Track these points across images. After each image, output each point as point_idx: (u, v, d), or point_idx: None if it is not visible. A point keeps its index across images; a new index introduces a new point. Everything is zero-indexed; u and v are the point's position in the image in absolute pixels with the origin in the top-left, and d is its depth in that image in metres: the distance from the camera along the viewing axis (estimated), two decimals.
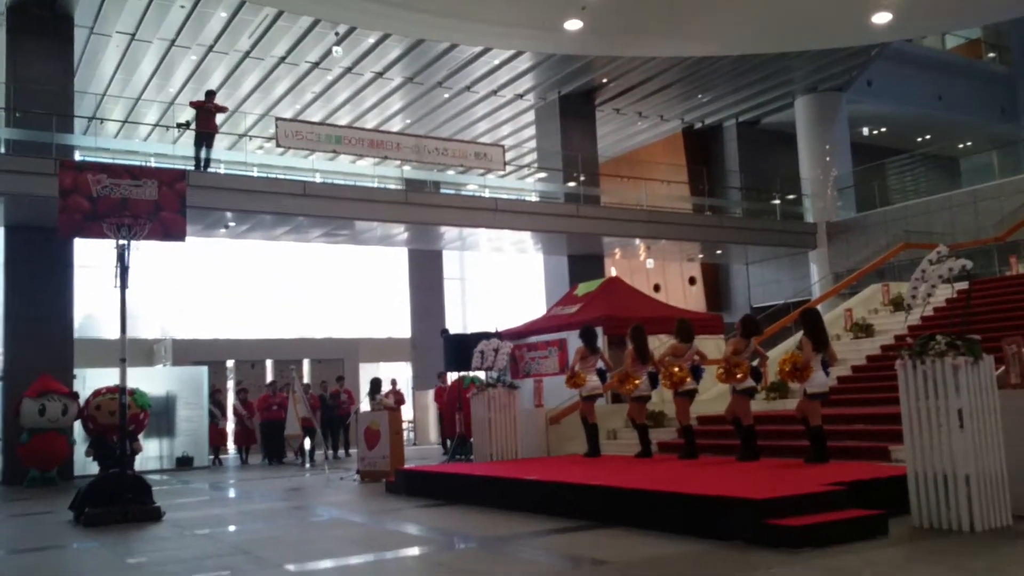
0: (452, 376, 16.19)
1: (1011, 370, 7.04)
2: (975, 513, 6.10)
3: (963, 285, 9.19)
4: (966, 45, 28.50)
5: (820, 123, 23.93)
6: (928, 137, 27.14)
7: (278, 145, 17.65)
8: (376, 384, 14.47)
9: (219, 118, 16.99)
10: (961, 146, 26.72)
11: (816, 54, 21.17)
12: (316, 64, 20.16)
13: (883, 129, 26.75)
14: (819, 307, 15.01)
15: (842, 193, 23.61)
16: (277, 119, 18.08)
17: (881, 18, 17.71)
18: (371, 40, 19.12)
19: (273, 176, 18.15)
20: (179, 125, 17.43)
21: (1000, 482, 6.26)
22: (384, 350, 25.19)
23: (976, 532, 6.06)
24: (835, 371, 10.85)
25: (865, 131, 26.52)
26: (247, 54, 19.49)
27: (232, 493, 12.60)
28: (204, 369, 17.85)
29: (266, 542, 7.40)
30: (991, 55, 29.07)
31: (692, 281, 27.20)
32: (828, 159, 23.60)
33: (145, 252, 19.00)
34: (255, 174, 17.62)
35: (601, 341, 12.68)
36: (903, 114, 25.75)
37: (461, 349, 14.18)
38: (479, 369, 12.55)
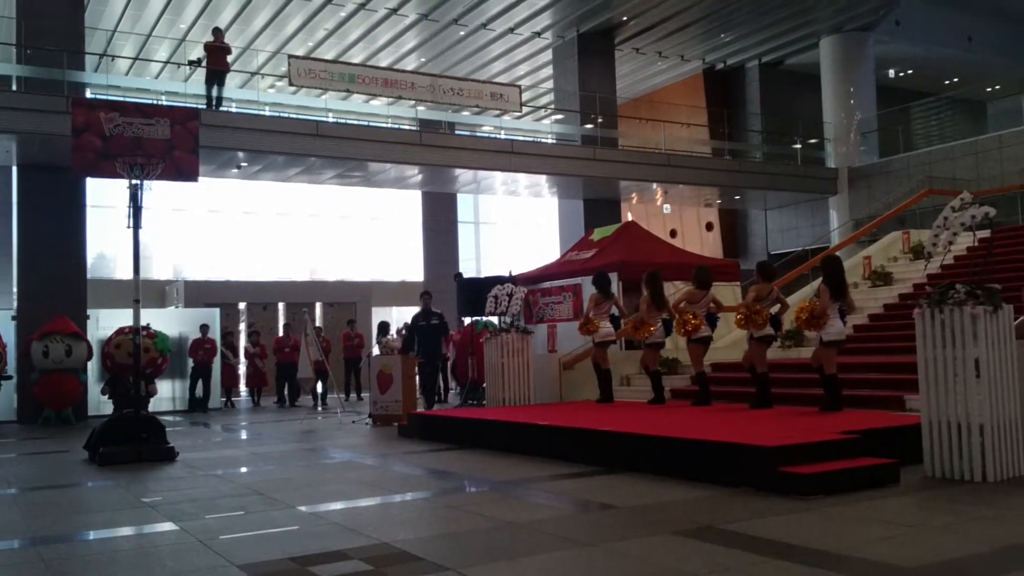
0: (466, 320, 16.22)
1: None
2: (988, 463, 6.06)
3: (986, 233, 9.01)
4: None
5: (845, 65, 23.36)
6: (956, 80, 26.49)
7: (291, 84, 17.42)
8: (384, 327, 14.47)
9: (229, 57, 16.77)
10: (989, 90, 26.09)
11: None
12: (329, 0, 19.79)
13: (910, 71, 26.12)
14: (838, 254, 14.84)
15: (865, 138, 23.15)
16: (290, 57, 17.83)
17: None
18: None
19: (285, 116, 17.97)
20: (191, 63, 17.21)
21: (1015, 433, 6.21)
22: (397, 294, 25.23)
23: (988, 482, 6.03)
24: (852, 319, 10.76)
25: (891, 73, 25.90)
26: None
27: (244, 435, 12.72)
28: (216, 311, 17.90)
29: (278, 483, 7.45)
30: None
31: (709, 227, 26.94)
32: (852, 102, 23.09)
33: (158, 192, 18.94)
34: (267, 113, 17.47)
35: (616, 287, 12.59)
36: (931, 56, 25.08)
37: (475, 294, 14.16)
38: (493, 314, 12.52)
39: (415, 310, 14.27)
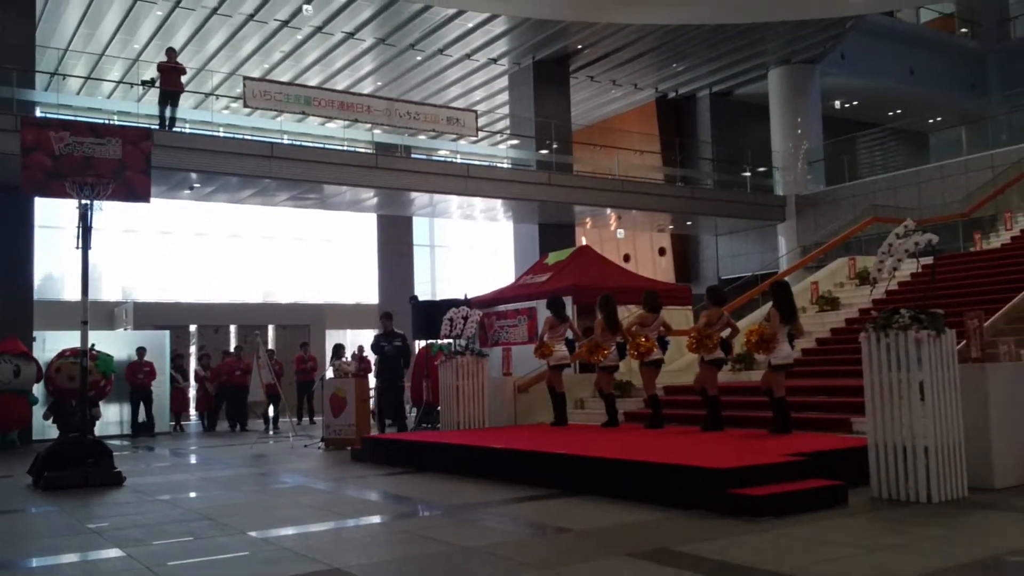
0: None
1: (972, 345, 7.13)
2: (933, 484, 6.20)
3: (928, 260, 9.28)
4: (939, 20, 28.58)
5: (793, 95, 23.96)
6: (899, 111, 27.29)
7: (245, 105, 17.35)
8: (338, 350, 14.35)
9: (184, 77, 16.66)
10: (931, 121, 26.91)
11: (791, 25, 21.14)
12: (285, 23, 19.79)
13: (855, 102, 26.85)
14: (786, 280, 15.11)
15: (812, 166, 23.72)
16: (245, 78, 17.74)
17: None
18: None
19: (239, 137, 17.84)
20: (144, 83, 17.03)
21: (958, 454, 6.36)
22: (351, 316, 25.05)
23: (933, 503, 6.16)
24: (800, 343, 10.97)
25: (837, 104, 26.59)
26: (214, 11, 19.07)
27: (194, 459, 12.50)
28: (166, 333, 17.61)
29: (228, 508, 7.34)
30: (963, 30, 29.19)
31: (662, 252, 27.28)
32: (799, 132, 23.66)
33: (108, 212, 18.62)
34: (221, 134, 17.32)
35: (570, 310, 12.67)
36: (875, 88, 25.84)
37: (430, 316, 14.12)
38: (448, 337, 12.49)
39: (370, 333, 14.17)
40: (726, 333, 9.49)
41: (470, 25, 20.30)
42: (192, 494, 8.43)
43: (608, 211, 21.66)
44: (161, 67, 16.24)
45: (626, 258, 26.80)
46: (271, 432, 16.27)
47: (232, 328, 21.66)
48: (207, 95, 20.67)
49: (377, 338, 13.60)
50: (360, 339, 21.51)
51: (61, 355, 14.51)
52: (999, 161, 18.88)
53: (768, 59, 23.68)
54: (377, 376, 13.27)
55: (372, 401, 13.97)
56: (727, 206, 22.55)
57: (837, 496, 6.31)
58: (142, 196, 10.58)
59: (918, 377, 6.24)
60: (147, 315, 20.33)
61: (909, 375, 6.27)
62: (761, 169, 24.28)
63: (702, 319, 9.64)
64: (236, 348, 18.86)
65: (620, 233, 25.60)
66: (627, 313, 12.08)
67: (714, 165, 24.95)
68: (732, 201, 22.76)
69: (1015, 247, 14.46)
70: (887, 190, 21.04)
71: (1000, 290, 10.77)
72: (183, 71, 16.69)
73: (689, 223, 24.19)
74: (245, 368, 17.17)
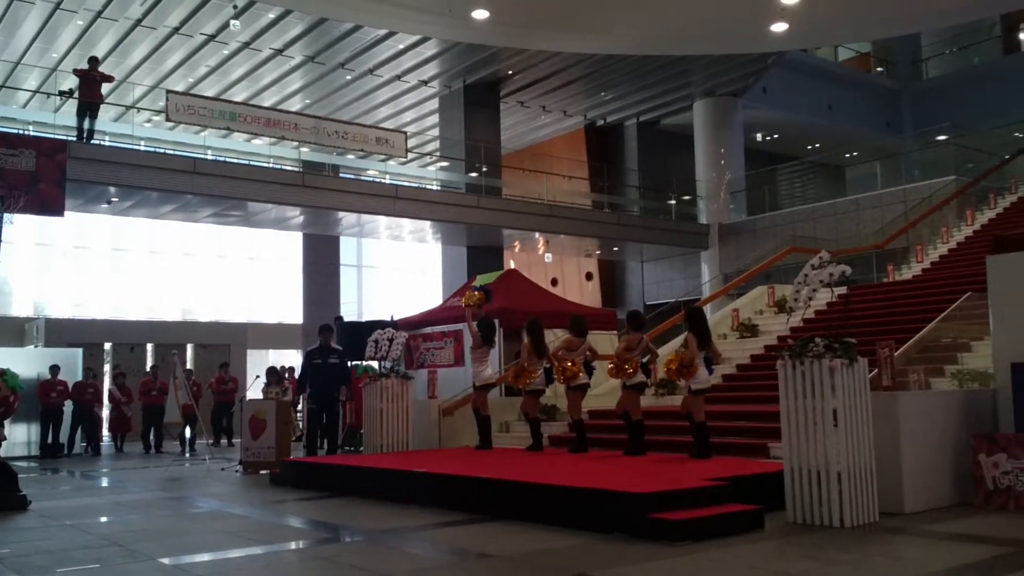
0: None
1: (883, 373, 7.36)
2: (845, 509, 6.35)
3: (843, 290, 9.58)
4: (857, 58, 29.77)
5: (716, 127, 24.60)
6: (817, 145, 28.25)
7: (168, 119, 17.00)
8: (274, 374, 13.96)
9: (105, 88, 16.23)
10: (847, 156, 27.91)
11: (715, 59, 21.74)
12: (212, 37, 19.49)
13: (775, 136, 27.71)
14: (708, 307, 15.42)
15: (734, 196, 24.35)
16: (168, 92, 17.38)
17: (778, 27, 18.30)
18: (271, 15, 18.60)
19: (161, 151, 17.44)
20: (61, 93, 16.53)
21: (869, 479, 6.54)
22: (274, 336, 24.59)
23: (846, 528, 6.31)
24: (721, 369, 11.19)
25: (759, 136, 27.40)
26: (138, 22, 18.68)
27: (106, 482, 12.05)
28: (79, 351, 16.99)
29: (140, 534, 7.09)
30: (879, 69, 30.46)
31: (589, 277, 27.57)
32: (722, 162, 24.29)
33: (20, 225, 17.95)
34: (142, 148, 16.90)
35: (498, 333, 12.68)
36: (795, 122, 26.72)
37: (355, 337, 13.94)
38: (373, 358, 12.34)
39: (293, 353, 13.75)
40: (646, 358, 9.62)
41: (401, 47, 20.31)
42: (102, 519, 8.12)
43: (537, 235, 21.82)
44: (80, 74, 15.76)
45: (553, 282, 27.01)
46: (187, 455, 15.82)
47: (149, 347, 21.04)
48: (128, 108, 20.17)
49: (310, 353, 12.42)
50: (283, 359, 21.11)
51: None
52: (911, 195, 19.69)
53: (693, 91, 24.29)
54: (311, 396, 12.09)
55: (302, 423, 13.46)
56: (652, 233, 22.96)
57: (754, 520, 6.42)
58: (56, 210, 10.26)
59: (832, 404, 6.40)
60: (60, 332, 19.59)
61: (823, 402, 6.42)
62: (686, 197, 24.83)
63: (621, 344, 9.76)
64: (152, 367, 18.33)
65: (548, 257, 25.82)
66: (554, 337, 12.14)
67: (640, 192, 25.41)
68: (657, 228, 23.19)
69: (926, 279, 15.03)
70: (805, 221, 21.72)
71: (911, 320, 11.15)
72: (109, 79, 16.27)
73: (616, 249, 24.53)
74: (161, 388, 16.69)
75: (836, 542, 5.94)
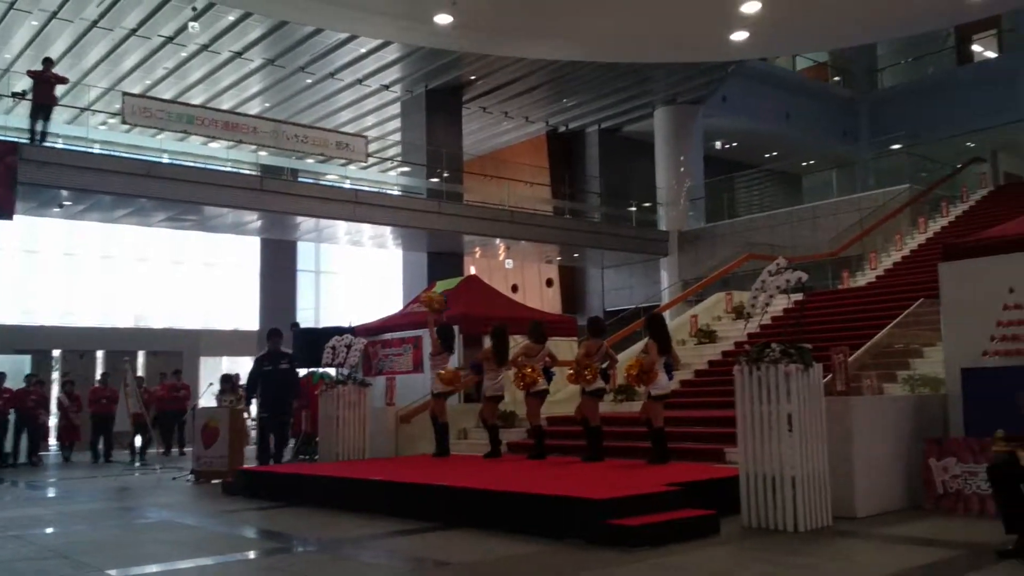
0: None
1: (837, 378, 7.45)
2: (799, 513, 6.40)
3: (799, 296, 9.68)
4: (815, 68, 30.21)
5: (677, 134, 24.79)
6: (775, 154, 28.60)
7: (124, 122, 16.67)
8: (228, 381, 13.74)
9: (59, 89, 15.93)
10: (804, 164, 28.29)
11: (676, 67, 21.91)
12: (170, 39, 19.18)
13: (735, 144, 27.99)
14: (667, 313, 15.50)
15: (694, 203, 24.55)
16: (124, 94, 17.09)
17: (738, 36, 18.49)
18: (231, 18, 18.36)
19: (116, 154, 17.12)
20: (15, 95, 16.18)
21: (823, 484, 6.59)
22: (230, 343, 24.22)
23: (800, 531, 6.35)
24: (680, 375, 11.23)
25: (718, 144, 27.66)
26: (94, 24, 18.32)
27: (52, 493, 11.77)
28: (27, 358, 16.59)
29: (87, 545, 6.92)
30: (836, 79, 30.93)
31: (549, 283, 27.60)
32: (682, 170, 24.47)
33: None
34: (96, 151, 16.58)
35: (458, 340, 12.63)
36: (754, 130, 27.02)
37: (312, 344, 13.75)
38: (330, 365, 12.20)
39: (248, 360, 13.46)
40: (605, 364, 9.63)
41: (363, 51, 20.18)
42: (48, 530, 7.91)
43: (497, 241, 21.80)
44: (33, 75, 15.44)
45: (514, 288, 26.99)
46: (137, 464, 15.52)
47: (99, 353, 20.62)
48: (83, 110, 19.79)
49: (260, 360, 12.06)
50: (238, 367, 20.80)
51: None
52: (866, 204, 20.00)
53: (654, 98, 24.45)
54: (260, 405, 11.79)
55: (254, 433, 13.25)
56: (613, 239, 23.06)
57: (710, 525, 6.44)
58: (5, 213, 10.01)
59: (787, 409, 6.44)
60: (6, 338, 19.12)
61: (779, 407, 6.47)
62: (646, 204, 24.98)
63: (581, 350, 9.77)
64: (103, 375, 17.96)
65: (509, 263, 25.79)
66: (513, 343, 12.11)
67: (601, 199, 25.51)
68: (618, 235, 23.30)
69: (879, 285, 15.27)
70: (763, 228, 21.95)
71: (865, 326, 11.30)
72: (63, 81, 15.96)
73: (576, 255, 24.59)
74: (111, 396, 16.36)
75: (790, 546, 5.98)
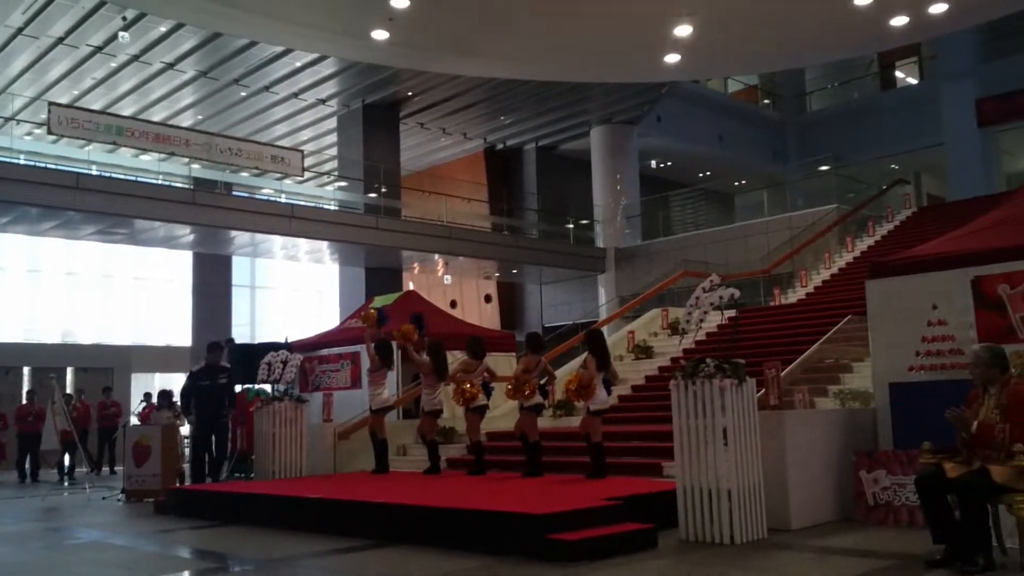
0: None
1: (770, 392, 7.62)
2: (735, 526, 6.50)
3: (732, 312, 9.89)
4: (745, 91, 30.98)
5: (613, 153, 25.15)
6: (708, 173, 29.19)
7: (50, 132, 16.23)
8: (164, 396, 13.36)
9: None
10: (737, 184, 28.93)
11: (612, 87, 22.24)
12: (99, 49, 18.75)
13: (669, 163, 28.50)
14: (605, 329, 15.61)
15: (630, 221, 24.91)
16: (51, 104, 16.63)
17: (671, 58, 18.87)
18: (163, 28, 18.04)
19: (42, 166, 16.64)
20: None
21: (758, 497, 6.72)
22: (162, 359, 23.64)
23: (736, 544, 6.46)
24: (618, 390, 11.34)
25: (653, 164, 28.12)
26: (19, 31, 17.81)
27: None
28: None
29: (12, 568, 6.66)
30: (766, 102, 31.76)
31: (488, 299, 27.64)
32: (618, 188, 24.83)
33: None
34: (21, 162, 16.10)
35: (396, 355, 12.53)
36: (687, 150, 27.57)
37: (247, 360, 13.50)
38: (265, 382, 11.99)
39: (181, 377, 13.11)
40: (544, 380, 9.69)
41: (298, 64, 20.01)
42: None
43: (436, 257, 21.76)
44: None
45: (452, 304, 26.95)
46: (65, 483, 15.02)
47: (25, 370, 19.94)
48: (7, 119, 19.20)
49: (196, 375, 11.73)
50: (171, 383, 20.30)
51: None
52: (796, 223, 20.53)
53: (591, 117, 24.78)
54: (197, 420, 11.40)
55: (188, 450, 12.92)
56: (551, 256, 23.24)
57: (648, 539, 6.50)
58: None
59: (722, 423, 6.56)
60: None
61: (714, 421, 6.59)
62: (583, 221, 25.24)
63: (519, 366, 9.82)
64: (29, 392, 17.37)
65: (447, 279, 25.76)
66: (452, 359, 12.08)
67: (539, 216, 25.70)
68: (555, 251, 23.49)
69: (810, 302, 15.66)
70: (697, 246, 22.36)
71: (796, 342, 11.56)
72: None
73: (515, 271, 24.69)
74: (38, 414, 15.81)
75: (726, 559, 6.08)
